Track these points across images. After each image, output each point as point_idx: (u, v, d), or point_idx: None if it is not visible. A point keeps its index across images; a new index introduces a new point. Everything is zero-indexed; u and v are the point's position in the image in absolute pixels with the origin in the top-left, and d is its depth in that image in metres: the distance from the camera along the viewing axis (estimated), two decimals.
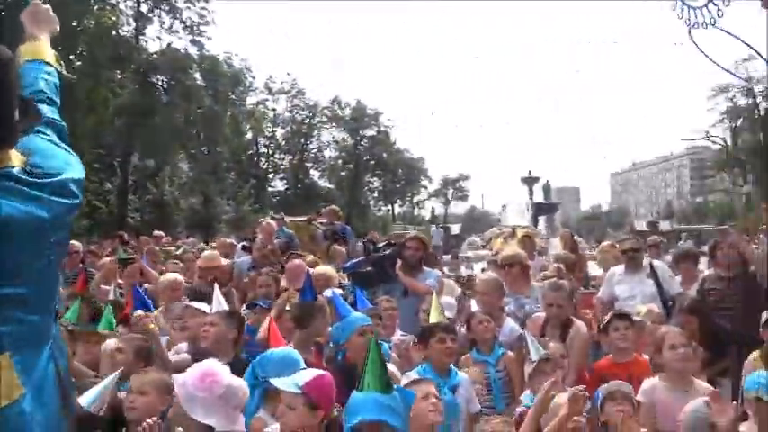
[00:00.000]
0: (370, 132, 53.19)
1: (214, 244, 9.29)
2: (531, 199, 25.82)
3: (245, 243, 8.27)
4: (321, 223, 10.10)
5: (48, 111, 1.70)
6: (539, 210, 24.99)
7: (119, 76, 27.23)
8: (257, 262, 6.34)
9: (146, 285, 5.62)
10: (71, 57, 23.92)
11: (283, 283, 5.35)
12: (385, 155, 53.70)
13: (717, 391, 2.66)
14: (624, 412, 2.70)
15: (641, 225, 37.49)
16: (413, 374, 3.18)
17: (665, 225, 34.89)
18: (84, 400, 2.52)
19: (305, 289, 4.15)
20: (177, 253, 8.50)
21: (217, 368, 2.58)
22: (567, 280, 4.81)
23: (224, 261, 6.42)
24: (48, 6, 1.91)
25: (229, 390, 2.53)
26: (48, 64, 1.79)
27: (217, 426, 2.44)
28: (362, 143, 53.28)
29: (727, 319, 4.73)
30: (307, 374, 2.49)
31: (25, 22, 1.86)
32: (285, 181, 50.65)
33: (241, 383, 2.65)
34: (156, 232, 12.26)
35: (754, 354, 3.36)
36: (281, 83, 47.65)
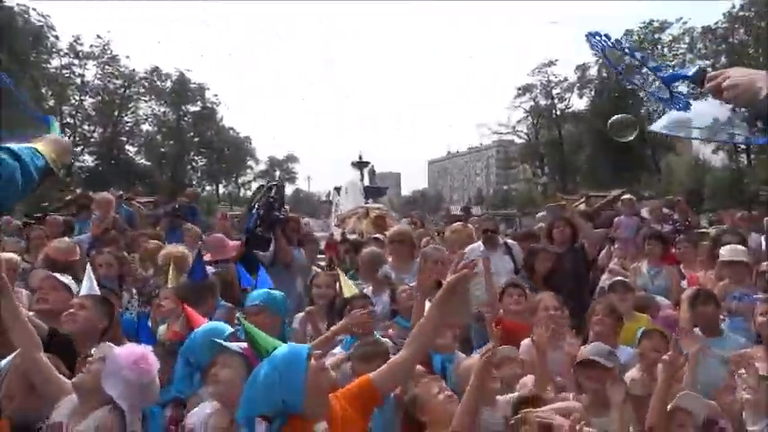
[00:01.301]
0: (194, 108, 50.34)
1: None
2: (362, 182, 26.67)
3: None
4: (150, 202, 9.48)
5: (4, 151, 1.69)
6: (368, 193, 25.95)
7: None
8: (97, 239, 5.69)
9: None
10: None
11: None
12: (210, 133, 51.26)
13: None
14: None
15: (456, 209, 41.00)
16: (338, 350, 3.19)
17: (476, 210, 38.07)
18: None
19: (194, 268, 3.97)
20: None
21: (152, 358, 2.47)
22: None
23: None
24: (69, 141, 2.09)
25: (153, 385, 2.44)
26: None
27: (126, 410, 2.32)
28: (185, 119, 50.22)
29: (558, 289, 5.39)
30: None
31: (43, 142, 1.91)
32: (95, 156, 45.87)
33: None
34: None
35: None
36: (91, 46, 42.93)
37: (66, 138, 2.11)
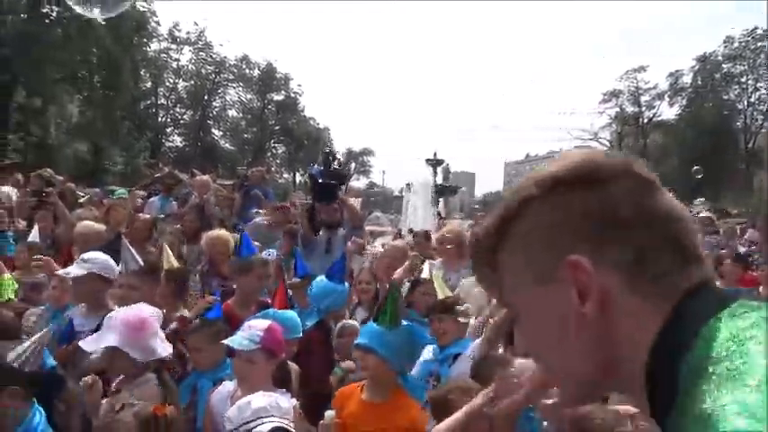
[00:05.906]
0: (277, 97, 51.84)
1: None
2: (434, 180, 26.60)
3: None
4: (231, 184, 9.93)
5: None
6: (441, 191, 25.79)
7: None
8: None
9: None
10: None
11: None
12: (291, 122, 52.63)
13: None
14: None
15: None
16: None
17: None
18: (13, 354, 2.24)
19: (241, 245, 4.17)
20: (81, 201, 7.94)
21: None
22: None
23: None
24: None
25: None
26: None
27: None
28: (269, 107, 51.82)
29: None
30: (257, 329, 2.51)
31: None
32: (183, 137, 48.27)
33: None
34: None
35: None
36: (188, 33, 45.13)
37: None
